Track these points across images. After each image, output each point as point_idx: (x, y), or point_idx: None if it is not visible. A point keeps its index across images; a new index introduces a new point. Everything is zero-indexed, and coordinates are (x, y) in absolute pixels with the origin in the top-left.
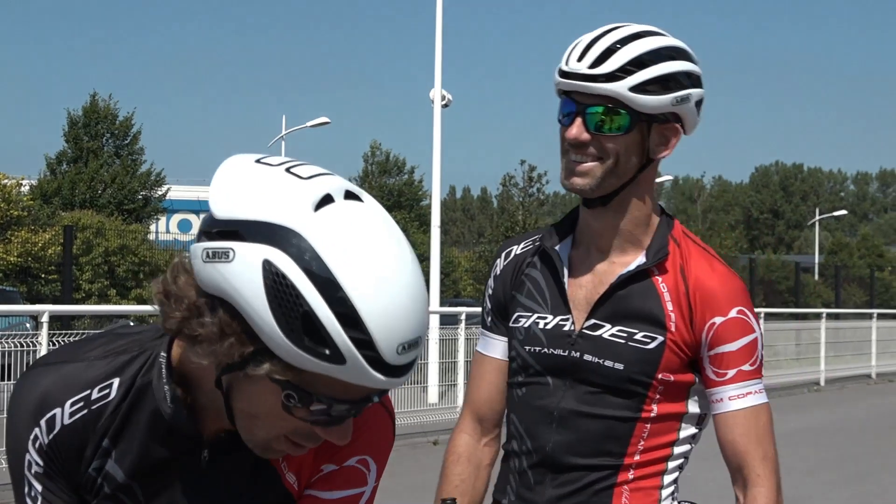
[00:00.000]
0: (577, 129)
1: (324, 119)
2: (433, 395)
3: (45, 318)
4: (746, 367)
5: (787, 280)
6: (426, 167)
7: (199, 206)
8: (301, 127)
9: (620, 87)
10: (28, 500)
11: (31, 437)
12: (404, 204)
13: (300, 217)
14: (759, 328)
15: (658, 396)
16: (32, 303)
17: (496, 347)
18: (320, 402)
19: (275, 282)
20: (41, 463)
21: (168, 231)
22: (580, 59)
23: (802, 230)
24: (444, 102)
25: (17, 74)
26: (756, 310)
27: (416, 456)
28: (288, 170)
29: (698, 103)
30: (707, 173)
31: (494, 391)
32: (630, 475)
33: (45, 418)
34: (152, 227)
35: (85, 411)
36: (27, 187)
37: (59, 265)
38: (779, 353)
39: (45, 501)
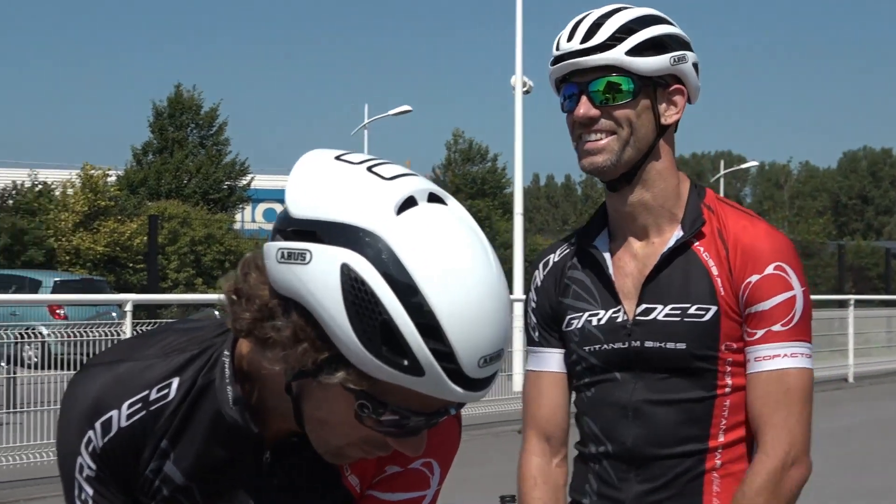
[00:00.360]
0: (584, 107)
1: (406, 107)
2: (518, 383)
3: (128, 307)
4: (777, 328)
5: (876, 266)
6: (509, 155)
7: (284, 196)
8: (383, 115)
9: (617, 53)
10: (76, 502)
11: (85, 440)
12: (487, 192)
13: (382, 220)
14: (800, 287)
15: (729, 369)
16: (120, 292)
17: (550, 361)
18: (395, 412)
19: (353, 287)
20: (94, 466)
21: (253, 220)
22: (570, 38)
23: (892, 216)
24: (525, 89)
25: (104, 66)
26: (845, 297)
27: (500, 445)
28: (369, 168)
29: (695, 66)
30: (794, 159)
31: (556, 407)
32: (718, 460)
33: (100, 421)
34: (237, 217)
35: (143, 413)
36: (114, 178)
37: (146, 255)
38: (869, 340)
39: None
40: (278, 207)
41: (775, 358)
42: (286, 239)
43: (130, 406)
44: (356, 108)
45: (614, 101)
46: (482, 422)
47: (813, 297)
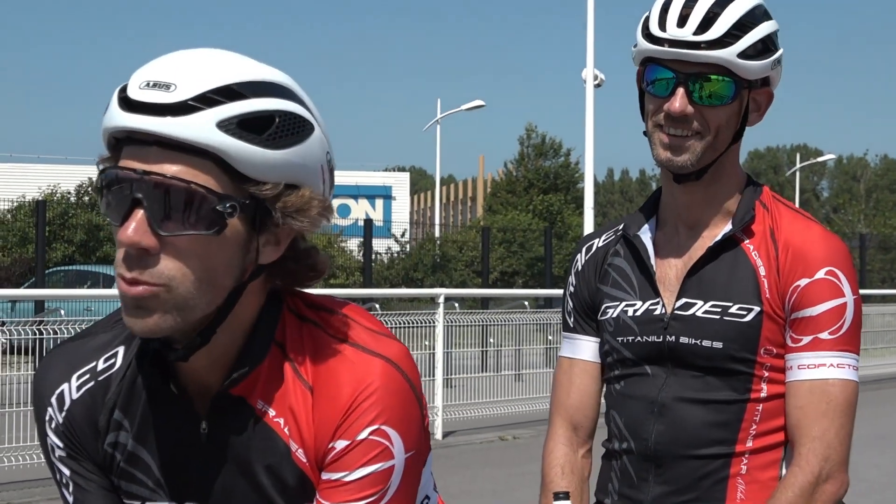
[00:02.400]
0: (681, 102)
1: (479, 102)
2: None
3: None
4: (824, 335)
5: None
6: (582, 149)
7: (357, 192)
8: (456, 110)
9: (729, 54)
10: (62, 489)
11: (47, 418)
12: (560, 187)
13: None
14: (851, 295)
15: (766, 374)
16: None
17: (584, 349)
18: (102, 183)
19: None
20: (61, 444)
21: None
22: (681, 24)
23: None
24: (596, 82)
25: None
26: None
27: None
28: None
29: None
30: (871, 151)
31: (587, 397)
32: (744, 466)
33: (54, 396)
34: None
35: (92, 383)
36: None
37: None
38: None
39: (76, 486)
40: (351, 202)
41: (819, 367)
42: None
43: (80, 378)
44: (429, 103)
45: (711, 103)
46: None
47: (889, 291)
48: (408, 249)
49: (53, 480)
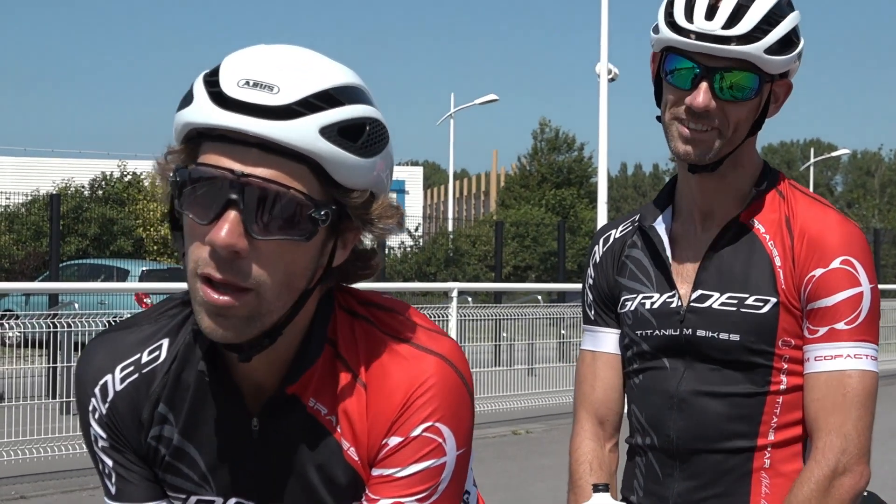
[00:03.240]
0: (704, 97)
1: (492, 96)
2: None
3: None
4: (841, 326)
5: None
6: (596, 143)
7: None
8: (470, 105)
9: (757, 50)
10: (104, 479)
11: (90, 408)
12: (573, 181)
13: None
14: (868, 284)
15: (785, 366)
16: None
17: (605, 341)
18: (192, 173)
19: None
20: (104, 435)
21: None
22: (709, 16)
23: None
24: (610, 77)
25: (194, 58)
26: None
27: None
28: None
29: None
30: (885, 146)
31: (611, 390)
32: (766, 459)
33: (98, 387)
34: None
35: (136, 375)
36: None
37: None
38: None
39: (119, 476)
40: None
41: (836, 358)
42: None
43: (123, 370)
44: (443, 97)
45: (734, 97)
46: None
47: None
48: (421, 244)
49: (95, 470)
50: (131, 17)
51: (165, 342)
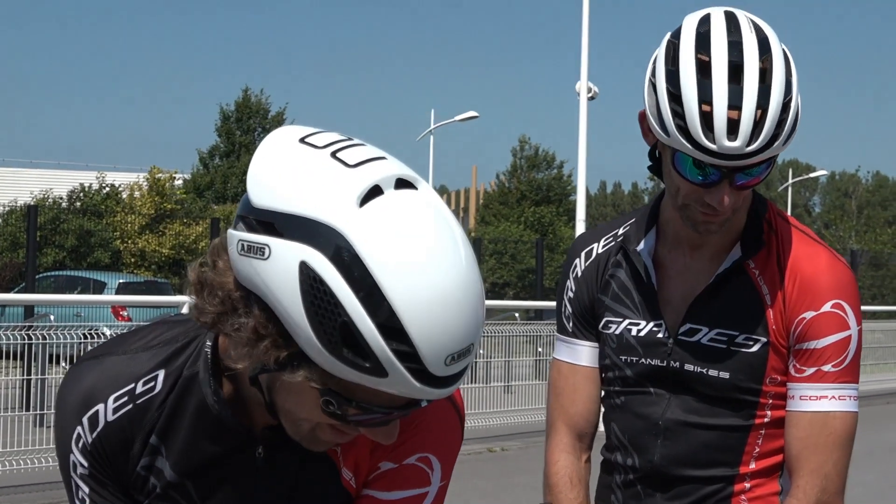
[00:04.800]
0: (729, 199)
1: (472, 113)
2: None
3: (185, 310)
4: (828, 368)
5: None
6: (575, 161)
7: None
8: (450, 121)
9: (778, 148)
10: (77, 503)
11: (74, 436)
12: (553, 199)
13: (343, 213)
14: (856, 326)
15: (770, 402)
16: (183, 294)
17: (583, 354)
18: (360, 408)
19: (312, 286)
20: (85, 464)
21: None
22: (731, 133)
23: None
24: (590, 95)
25: (172, 70)
26: None
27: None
28: (334, 154)
29: None
30: (863, 167)
31: (591, 403)
32: (747, 484)
33: (87, 416)
34: None
35: (129, 406)
36: (181, 181)
37: None
38: None
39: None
40: None
41: (821, 399)
42: (247, 228)
43: (116, 400)
44: (423, 113)
45: (748, 180)
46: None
47: (880, 307)
48: None
49: (66, 492)
50: (109, 28)
51: (161, 373)
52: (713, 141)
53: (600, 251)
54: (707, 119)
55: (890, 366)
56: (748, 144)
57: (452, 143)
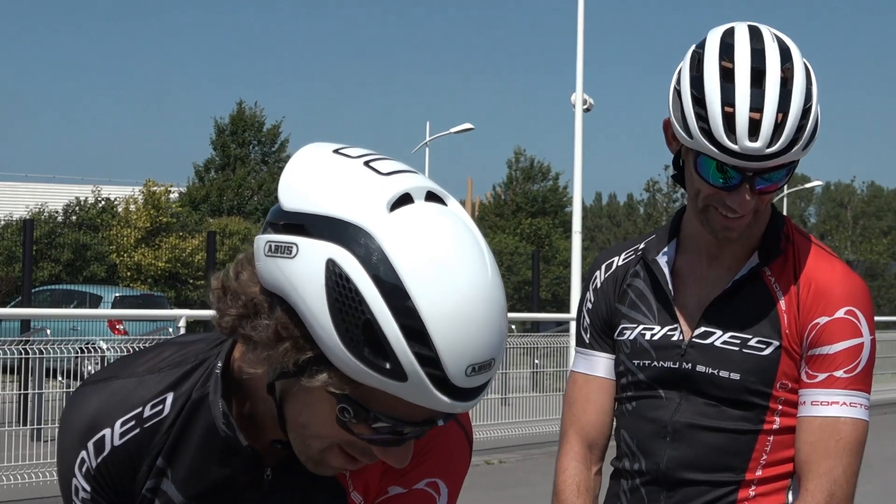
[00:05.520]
0: (749, 201)
1: (468, 125)
2: None
3: (181, 324)
4: (840, 374)
5: None
6: (571, 173)
7: None
8: (445, 133)
9: (797, 153)
10: None
11: (78, 460)
12: (548, 210)
13: (373, 215)
14: (869, 336)
15: (780, 408)
16: (180, 308)
17: (599, 366)
18: (377, 419)
19: (337, 284)
20: (88, 488)
21: None
22: (752, 134)
23: None
24: (585, 107)
25: (167, 84)
26: None
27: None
28: (367, 163)
29: None
30: (858, 178)
31: (603, 414)
32: (751, 492)
33: (93, 441)
34: None
35: (137, 430)
36: (176, 194)
37: (206, 271)
38: None
39: None
40: None
41: (832, 405)
42: (275, 231)
43: (124, 424)
44: (418, 125)
45: (768, 186)
46: (545, 440)
47: (876, 318)
48: None
49: None
50: (105, 41)
51: (170, 396)
52: (735, 142)
53: (620, 263)
54: (729, 120)
55: (887, 377)
56: (769, 146)
57: (448, 156)
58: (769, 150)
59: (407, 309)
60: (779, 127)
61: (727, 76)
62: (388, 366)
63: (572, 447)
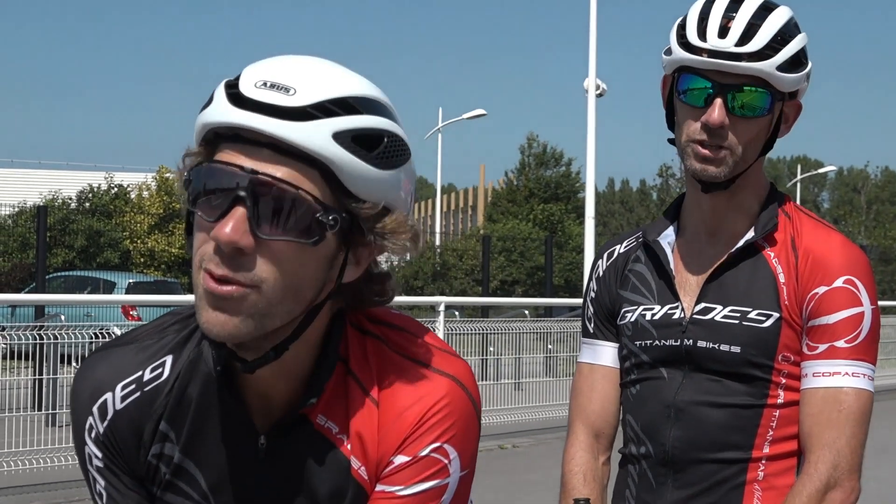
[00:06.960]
0: (719, 113)
1: (480, 111)
2: None
3: None
4: (840, 344)
5: None
6: (583, 159)
7: None
8: (457, 119)
9: (769, 67)
10: (95, 498)
11: (87, 427)
12: (561, 196)
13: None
14: (870, 305)
15: (783, 381)
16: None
17: (604, 354)
18: (199, 175)
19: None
20: (100, 454)
21: None
22: (722, 35)
23: None
24: (598, 92)
25: (180, 70)
26: None
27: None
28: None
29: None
30: (872, 163)
31: (608, 403)
32: (760, 472)
33: (96, 405)
34: None
35: (138, 394)
36: None
37: None
38: None
39: (110, 497)
40: None
41: (834, 375)
42: None
43: (124, 388)
44: (431, 111)
45: (746, 115)
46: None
47: (890, 303)
48: (408, 257)
49: (87, 487)
50: (119, 29)
51: (169, 359)
52: (705, 40)
53: (622, 251)
54: (702, 23)
55: None
56: (737, 45)
57: (460, 142)
58: (737, 50)
59: (237, 76)
60: (750, 30)
61: (708, 5)
62: (208, 102)
63: (578, 437)
